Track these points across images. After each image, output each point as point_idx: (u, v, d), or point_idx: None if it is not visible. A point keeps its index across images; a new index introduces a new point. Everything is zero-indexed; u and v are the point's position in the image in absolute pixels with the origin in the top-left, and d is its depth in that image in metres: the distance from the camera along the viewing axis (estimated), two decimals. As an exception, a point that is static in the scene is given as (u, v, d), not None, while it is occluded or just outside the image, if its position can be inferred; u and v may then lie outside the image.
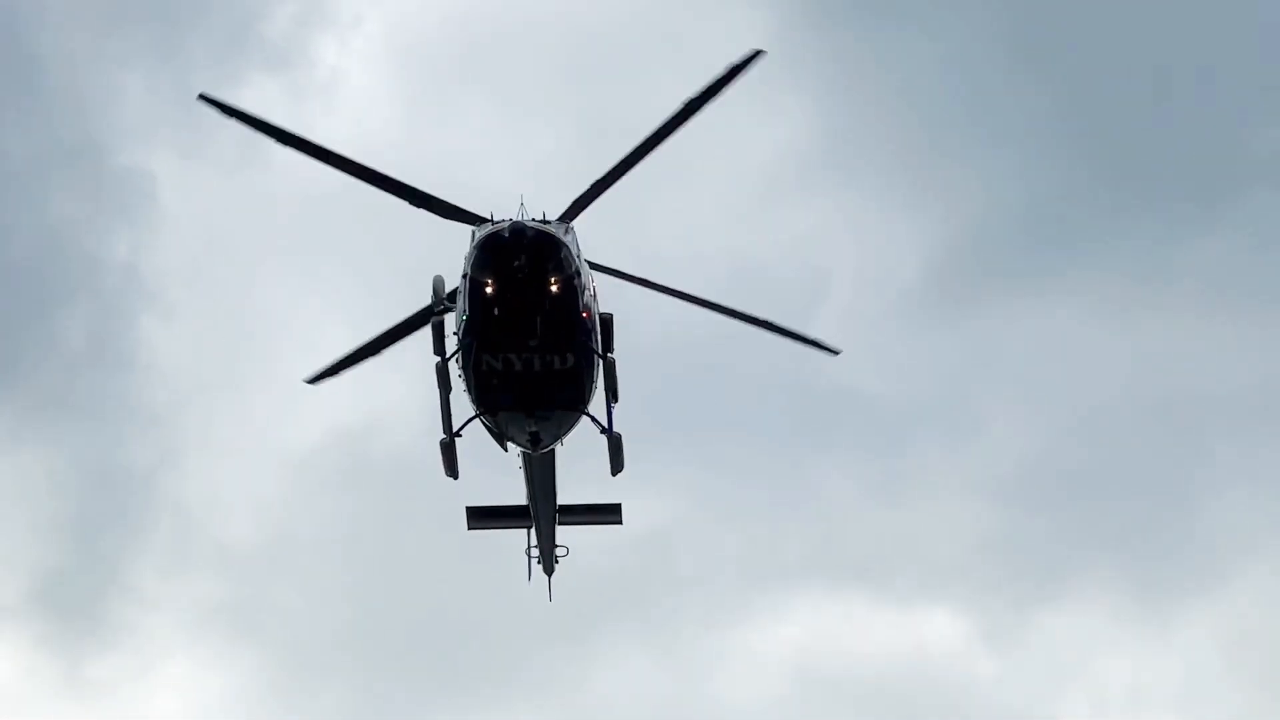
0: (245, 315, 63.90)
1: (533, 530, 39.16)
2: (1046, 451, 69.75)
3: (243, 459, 66.31)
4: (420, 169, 31.32)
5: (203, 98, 29.41)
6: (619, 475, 32.74)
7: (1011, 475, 69.46)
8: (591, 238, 30.66)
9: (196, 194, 56.33)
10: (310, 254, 61.47)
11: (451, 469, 32.60)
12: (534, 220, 29.30)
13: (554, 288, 29.05)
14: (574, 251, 29.54)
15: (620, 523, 39.19)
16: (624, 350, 31.46)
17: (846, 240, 71.26)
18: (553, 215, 29.87)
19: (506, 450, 33.68)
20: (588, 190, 29.88)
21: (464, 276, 29.53)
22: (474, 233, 29.52)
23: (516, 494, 37.22)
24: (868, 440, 69.12)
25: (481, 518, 39.22)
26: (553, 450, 34.35)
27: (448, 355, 30.69)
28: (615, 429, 32.02)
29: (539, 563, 39.87)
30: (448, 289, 30.38)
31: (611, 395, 31.66)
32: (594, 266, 31.23)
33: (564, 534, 38.76)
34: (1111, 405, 70.84)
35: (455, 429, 31.81)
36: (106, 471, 61.78)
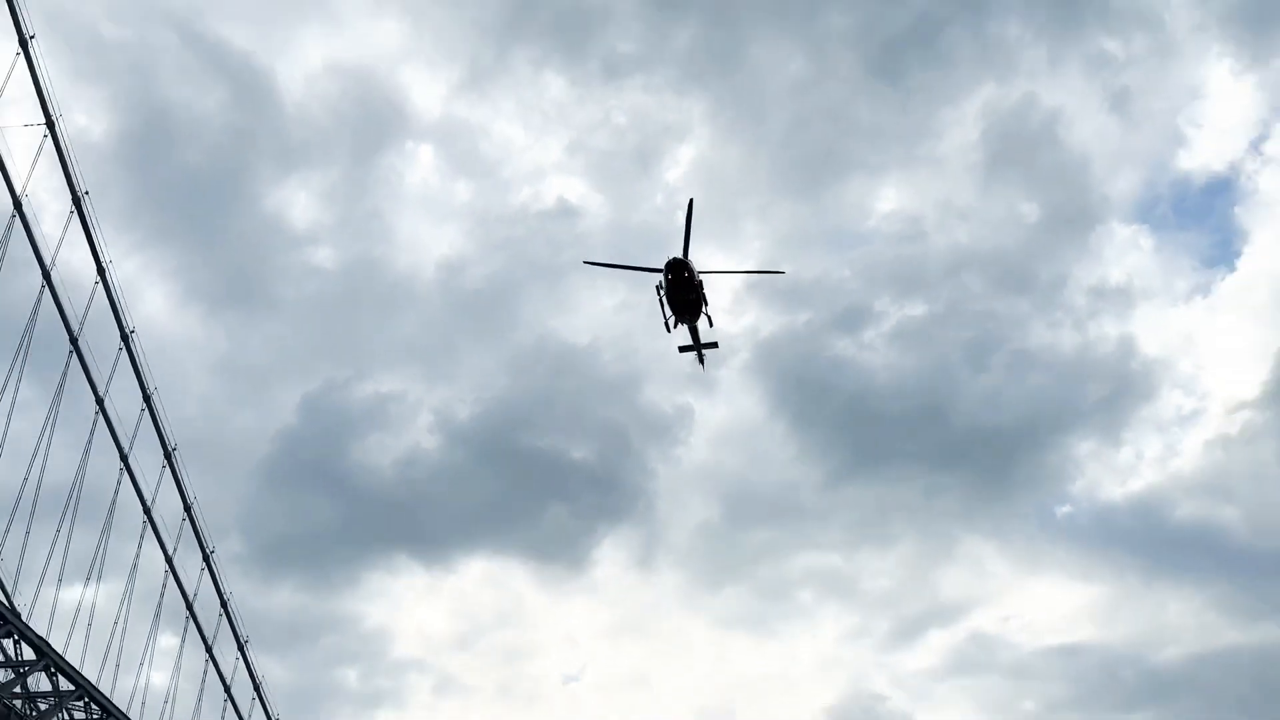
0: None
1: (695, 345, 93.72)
2: None
3: None
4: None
5: (587, 262, 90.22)
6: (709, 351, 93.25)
7: None
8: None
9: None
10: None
11: (671, 331, 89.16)
12: (681, 257, 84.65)
13: (686, 275, 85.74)
14: (695, 267, 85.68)
15: (716, 346, 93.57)
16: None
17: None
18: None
19: (676, 327, 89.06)
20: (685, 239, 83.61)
21: (661, 272, 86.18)
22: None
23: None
24: None
25: (683, 350, 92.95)
26: (697, 325, 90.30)
27: (662, 297, 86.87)
28: (708, 330, 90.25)
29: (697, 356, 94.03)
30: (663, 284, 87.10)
31: (703, 313, 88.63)
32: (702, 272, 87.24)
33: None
34: None
35: (672, 326, 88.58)
36: None
